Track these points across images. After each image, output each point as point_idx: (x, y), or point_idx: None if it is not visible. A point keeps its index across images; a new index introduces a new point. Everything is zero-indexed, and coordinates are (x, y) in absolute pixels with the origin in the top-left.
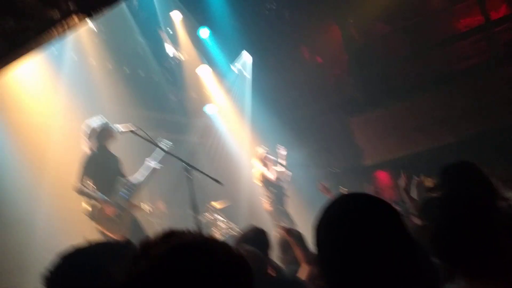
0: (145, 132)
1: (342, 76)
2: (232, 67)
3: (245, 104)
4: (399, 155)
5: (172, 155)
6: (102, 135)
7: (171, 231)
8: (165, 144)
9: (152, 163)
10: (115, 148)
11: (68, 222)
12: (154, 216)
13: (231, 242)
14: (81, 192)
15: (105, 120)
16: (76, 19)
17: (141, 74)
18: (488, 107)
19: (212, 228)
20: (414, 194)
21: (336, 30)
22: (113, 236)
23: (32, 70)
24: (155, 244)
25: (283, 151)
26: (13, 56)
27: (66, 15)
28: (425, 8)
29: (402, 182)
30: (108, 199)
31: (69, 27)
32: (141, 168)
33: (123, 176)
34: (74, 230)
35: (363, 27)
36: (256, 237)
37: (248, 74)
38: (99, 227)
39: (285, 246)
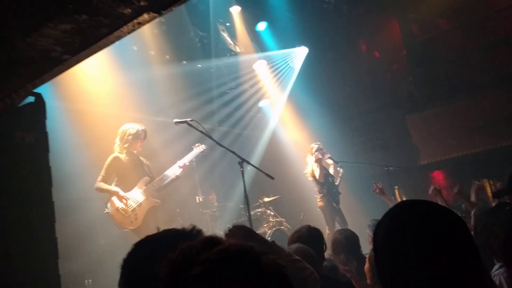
0: (200, 124)
1: (399, 72)
2: (288, 61)
3: (300, 98)
4: (456, 155)
5: (226, 148)
6: (131, 141)
7: (212, 238)
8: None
9: (180, 164)
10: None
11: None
12: (206, 207)
13: (280, 237)
14: (101, 189)
15: (138, 126)
16: (146, 16)
17: (198, 66)
18: None
19: (262, 222)
20: (473, 197)
21: (395, 25)
22: (124, 227)
23: (93, 59)
24: (198, 250)
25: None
26: (86, 53)
27: (137, 13)
28: (489, 4)
29: (456, 189)
30: (120, 191)
31: (139, 25)
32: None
33: (147, 175)
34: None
35: (423, 23)
36: (310, 236)
37: (303, 68)
38: (112, 219)
39: (336, 247)
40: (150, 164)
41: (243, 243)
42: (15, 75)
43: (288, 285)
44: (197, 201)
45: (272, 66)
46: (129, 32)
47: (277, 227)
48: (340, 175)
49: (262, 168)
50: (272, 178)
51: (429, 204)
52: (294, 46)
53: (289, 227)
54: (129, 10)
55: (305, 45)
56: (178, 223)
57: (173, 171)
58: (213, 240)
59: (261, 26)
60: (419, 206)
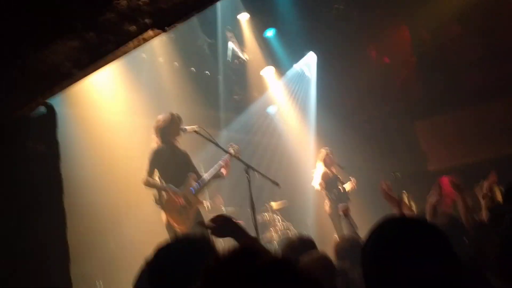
0: (208, 133)
1: (409, 79)
2: (296, 67)
3: (308, 105)
4: (465, 161)
5: (232, 155)
6: (167, 130)
7: (247, 249)
8: (234, 150)
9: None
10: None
11: (133, 214)
12: (213, 212)
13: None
14: (149, 184)
15: (172, 115)
16: (151, 33)
17: (207, 73)
18: None
19: (269, 226)
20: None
21: (406, 31)
22: (177, 226)
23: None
24: (235, 264)
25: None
26: (94, 67)
27: (142, 29)
28: (500, 9)
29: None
30: (176, 189)
31: (144, 40)
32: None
33: (192, 171)
34: (139, 222)
35: (434, 29)
36: (303, 246)
37: (312, 74)
38: (166, 216)
39: (341, 253)
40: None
41: (279, 256)
42: (26, 89)
43: None
44: (206, 208)
45: (285, 76)
46: (135, 47)
47: (284, 231)
48: (352, 182)
49: (270, 174)
50: (278, 185)
51: (412, 221)
52: (303, 53)
53: (295, 231)
54: (135, 27)
55: (315, 52)
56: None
57: (214, 171)
58: (249, 252)
59: (269, 33)
60: (401, 224)
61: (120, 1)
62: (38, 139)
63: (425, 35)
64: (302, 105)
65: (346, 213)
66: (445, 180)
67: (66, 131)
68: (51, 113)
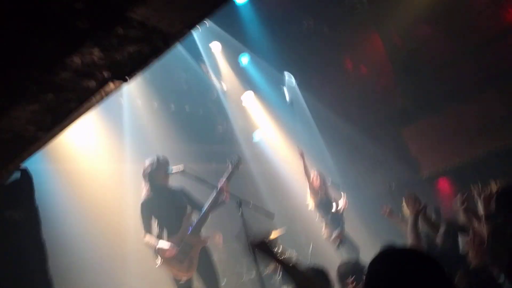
0: (194, 173)
1: (389, 86)
2: (275, 90)
3: (293, 126)
4: (457, 161)
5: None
6: (154, 174)
7: None
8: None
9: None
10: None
11: (133, 262)
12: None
13: None
14: (146, 245)
15: (157, 157)
16: (112, 85)
17: (186, 109)
18: None
19: None
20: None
21: (378, 39)
22: (181, 276)
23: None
24: None
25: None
26: (59, 127)
27: (102, 83)
28: (471, 4)
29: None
30: (166, 243)
31: (106, 94)
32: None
33: (191, 207)
34: (141, 269)
35: (404, 33)
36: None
37: (292, 95)
38: (168, 270)
39: (343, 278)
40: (186, 191)
41: None
42: None
43: None
44: None
45: (266, 100)
46: (99, 102)
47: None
48: (344, 200)
49: (266, 202)
50: (271, 217)
51: (406, 252)
52: (280, 75)
53: (300, 259)
54: (94, 82)
55: (291, 72)
56: None
57: (211, 201)
58: None
59: (244, 59)
60: (399, 257)
61: (73, 59)
62: (14, 207)
63: (397, 40)
64: (286, 127)
65: (338, 242)
66: (442, 183)
67: (50, 188)
68: (26, 178)
